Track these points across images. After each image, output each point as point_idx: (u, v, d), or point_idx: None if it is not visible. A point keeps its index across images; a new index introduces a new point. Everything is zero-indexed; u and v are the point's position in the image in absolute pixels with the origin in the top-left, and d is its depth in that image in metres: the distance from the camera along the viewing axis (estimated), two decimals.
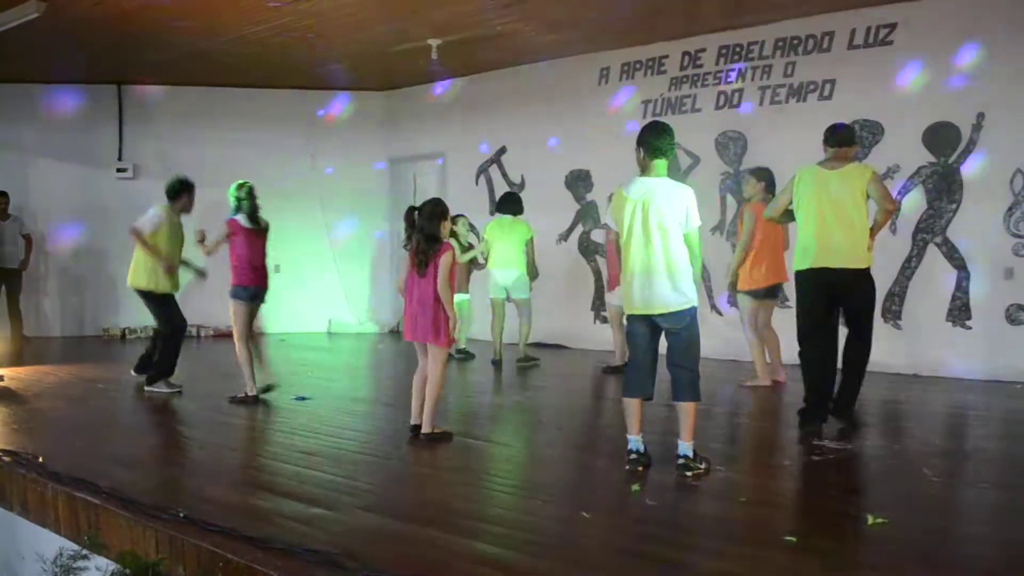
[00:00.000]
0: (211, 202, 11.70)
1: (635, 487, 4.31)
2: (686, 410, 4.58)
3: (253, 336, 7.20)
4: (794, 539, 3.53)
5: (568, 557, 3.43)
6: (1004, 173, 7.58)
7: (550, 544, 3.58)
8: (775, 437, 5.97)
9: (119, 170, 11.58)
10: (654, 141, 4.77)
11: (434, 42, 9.34)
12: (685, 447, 4.58)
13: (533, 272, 9.07)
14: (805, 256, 5.61)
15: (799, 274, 5.68)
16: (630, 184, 4.79)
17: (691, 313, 4.64)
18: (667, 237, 4.64)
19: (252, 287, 7.12)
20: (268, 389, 7.05)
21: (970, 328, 7.76)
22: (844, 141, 5.77)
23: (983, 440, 5.81)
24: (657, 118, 9.58)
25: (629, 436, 4.67)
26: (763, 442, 5.85)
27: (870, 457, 5.17)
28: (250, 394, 6.83)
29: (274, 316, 12.03)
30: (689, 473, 4.52)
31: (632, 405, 4.68)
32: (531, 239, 8.98)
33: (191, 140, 11.68)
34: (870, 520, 3.75)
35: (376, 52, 9.99)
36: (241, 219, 7.06)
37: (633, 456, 4.63)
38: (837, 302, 5.58)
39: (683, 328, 4.64)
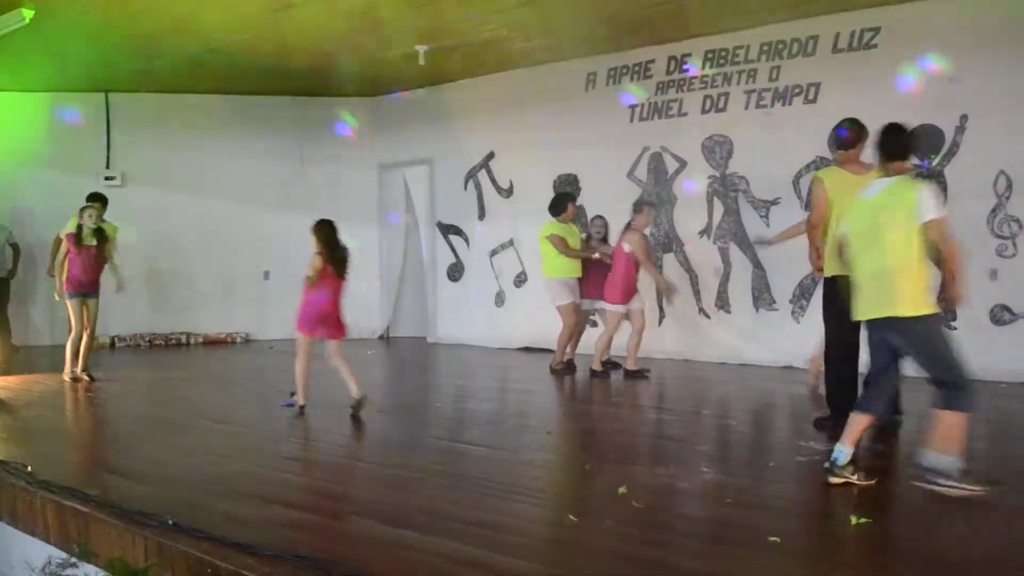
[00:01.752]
0: (202, 209, 11.82)
1: (622, 489, 4.33)
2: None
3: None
4: (778, 540, 3.57)
5: (554, 560, 3.46)
6: (987, 175, 7.65)
7: (537, 547, 3.61)
8: (761, 439, 6.02)
9: (107, 178, 11.58)
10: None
11: (421, 48, 9.38)
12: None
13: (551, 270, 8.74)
14: None
15: None
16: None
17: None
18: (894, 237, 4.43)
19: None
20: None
21: (955, 328, 7.79)
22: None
23: (967, 440, 5.85)
24: (644, 122, 9.73)
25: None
26: (749, 444, 5.89)
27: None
28: None
29: (266, 321, 12.08)
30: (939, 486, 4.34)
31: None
32: (545, 238, 8.68)
33: (180, 147, 11.71)
34: (854, 520, 3.79)
35: (364, 58, 10.02)
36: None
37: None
38: None
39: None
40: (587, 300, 8.75)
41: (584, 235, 9.15)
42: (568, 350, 8.82)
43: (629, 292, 8.16)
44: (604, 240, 8.92)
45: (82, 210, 8.47)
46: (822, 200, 5.64)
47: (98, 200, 8.86)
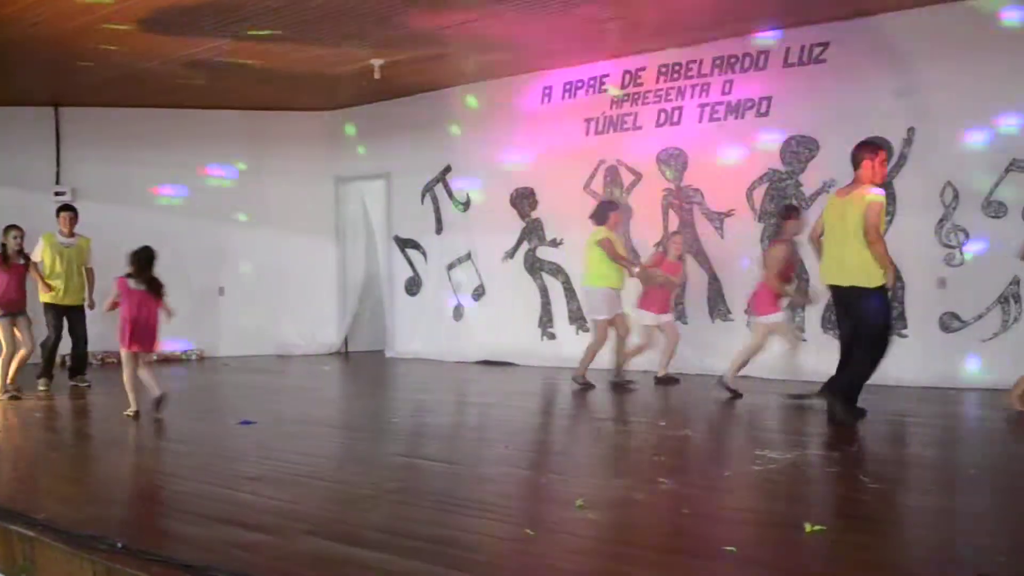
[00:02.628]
0: (155, 225, 11.62)
1: (579, 502, 4.33)
2: None
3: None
4: (734, 549, 3.58)
5: (509, 575, 3.44)
6: (935, 186, 7.81)
7: (494, 563, 3.59)
8: (718, 448, 6.06)
9: (57, 193, 11.36)
10: None
11: (376, 62, 9.35)
12: None
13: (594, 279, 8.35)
14: None
15: None
16: None
17: None
18: None
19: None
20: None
21: (906, 336, 7.95)
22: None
23: (919, 446, 5.96)
24: (600, 135, 9.80)
25: None
26: (706, 454, 5.92)
27: (808, 465, 5.26)
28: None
29: (220, 338, 11.91)
30: None
31: None
32: (595, 242, 8.26)
33: (131, 162, 11.52)
34: (808, 528, 3.82)
35: (318, 72, 9.96)
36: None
37: None
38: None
39: None
40: (650, 314, 8.46)
41: (659, 250, 8.90)
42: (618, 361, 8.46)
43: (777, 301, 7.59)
44: (679, 259, 8.61)
45: (6, 230, 8.46)
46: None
47: (69, 210, 9.12)
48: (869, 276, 6.07)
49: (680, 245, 8.57)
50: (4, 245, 8.41)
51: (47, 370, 8.89)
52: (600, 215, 8.44)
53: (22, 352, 8.34)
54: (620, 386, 8.27)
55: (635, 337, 8.57)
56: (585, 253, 8.39)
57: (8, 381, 8.28)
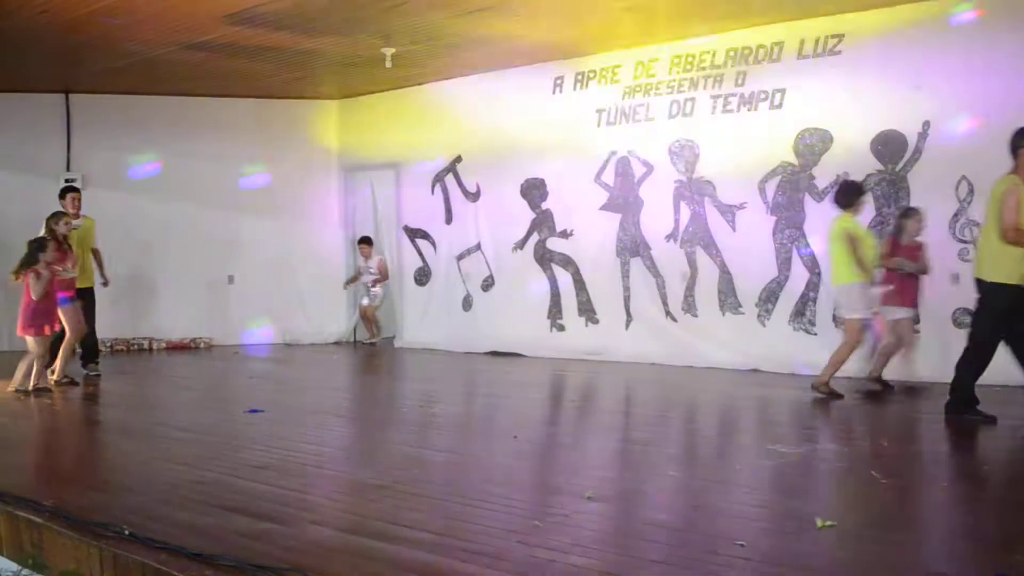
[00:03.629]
0: (165, 213, 11.63)
1: (588, 495, 4.30)
2: None
3: None
4: (744, 544, 3.55)
5: (520, 568, 3.41)
6: (949, 180, 7.73)
7: (502, 555, 3.56)
8: (728, 442, 6.02)
9: (67, 180, 11.34)
10: None
11: (387, 51, 9.31)
12: None
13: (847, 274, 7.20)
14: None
15: None
16: None
17: None
18: None
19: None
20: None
21: (918, 332, 7.89)
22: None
23: (931, 442, 5.92)
24: (611, 126, 9.74)
25: None
26: (716, 447, 5.89)
27: (820, 460, 5.23)
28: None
29: (228, 327, 11.92)
30: None
31: None
32: (837, 237, 7.18)
33: (142, 150, 11.51)
34: (820, 523, 3.78)
35: (329, 61, 9.93)
36: None
37: None
38: None
39: None
40: (904, 309, 7.49)
41: (891, 233, 7.67)
42: (875, 364, 7.57)
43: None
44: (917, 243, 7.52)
45: (56, 216, 8.38)
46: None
47: (75, 191, 9.12)
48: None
49: (920, 223, 7.44)
50: (53, 231, 8.26)
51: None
52: (846, 197, 7.30)
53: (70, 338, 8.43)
54: (882, 390, 7.48)
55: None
56: (830, 246, 7.32)
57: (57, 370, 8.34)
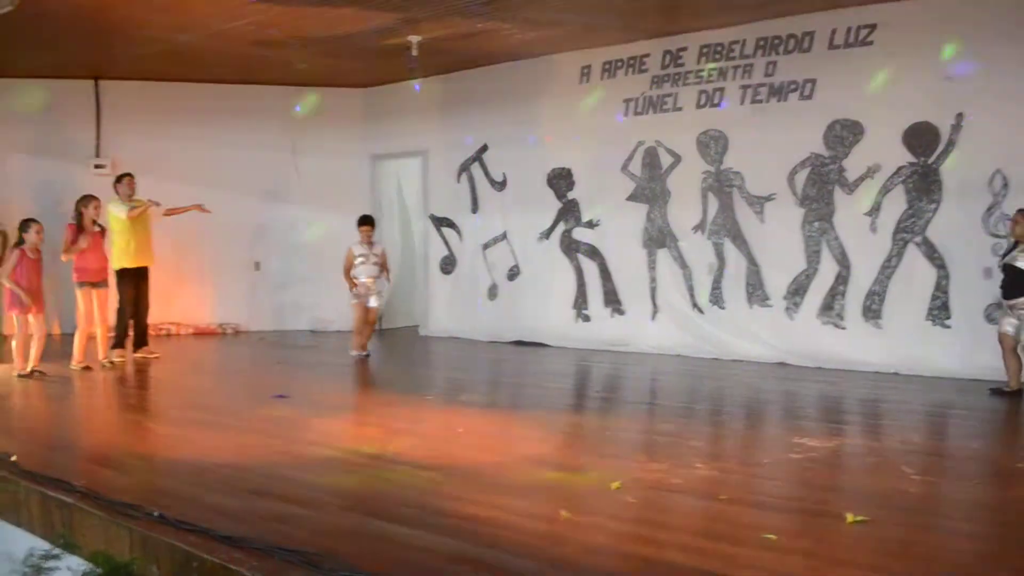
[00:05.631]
0: (192, 198, 11.68)
1: (615, 484, 4.29)
2: None
3: None
4: (774, 537, 3.53)
5: (546, 556, 3.40)
6: (983, 173, 7.61)
7: (529, 543, 3.56)
8: (756, 435, 5.98)
9: (97, 166, 11.46)
10: None
11: (414, 39, 9.29)
12: None
13: None
14: None
15: None
16: None
17: None
18: None
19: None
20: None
21: (949, 327, 7.80)
22: None
23: (961, 438, 5.85)
24: (639, 116, 9.68)
25: None
26: (743, 440, 5.85)
27: (850, 455, 5.18)
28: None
29: (255, 313, 12.00)
30: None
31: None
32: None
33: (170, 136, 11.56)
34: (850, 518, 3.75)
35: (356, 48, 9.92)
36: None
37: None
38: None
39: None
40: None
41: None
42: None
43: None
44: None
45: (86, 200, 8.73)
46: None
47: (130, 175, 9.55)
48: None
49: None
50: (81, 214, 8.60)
51: (121, 340, 9.22)
52: None
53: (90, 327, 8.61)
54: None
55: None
56: None
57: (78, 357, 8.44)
